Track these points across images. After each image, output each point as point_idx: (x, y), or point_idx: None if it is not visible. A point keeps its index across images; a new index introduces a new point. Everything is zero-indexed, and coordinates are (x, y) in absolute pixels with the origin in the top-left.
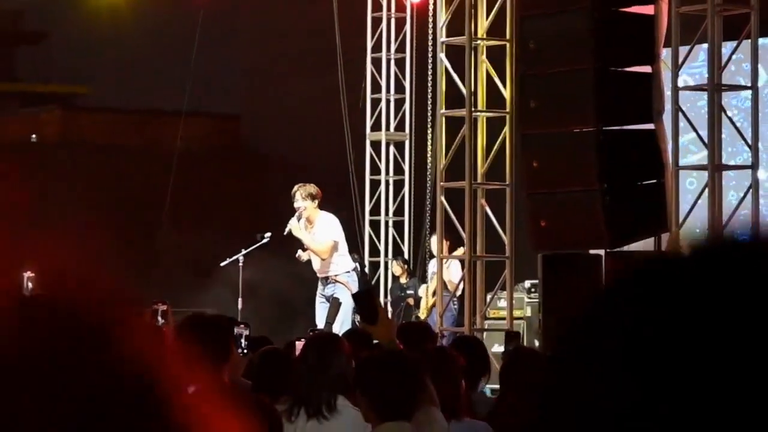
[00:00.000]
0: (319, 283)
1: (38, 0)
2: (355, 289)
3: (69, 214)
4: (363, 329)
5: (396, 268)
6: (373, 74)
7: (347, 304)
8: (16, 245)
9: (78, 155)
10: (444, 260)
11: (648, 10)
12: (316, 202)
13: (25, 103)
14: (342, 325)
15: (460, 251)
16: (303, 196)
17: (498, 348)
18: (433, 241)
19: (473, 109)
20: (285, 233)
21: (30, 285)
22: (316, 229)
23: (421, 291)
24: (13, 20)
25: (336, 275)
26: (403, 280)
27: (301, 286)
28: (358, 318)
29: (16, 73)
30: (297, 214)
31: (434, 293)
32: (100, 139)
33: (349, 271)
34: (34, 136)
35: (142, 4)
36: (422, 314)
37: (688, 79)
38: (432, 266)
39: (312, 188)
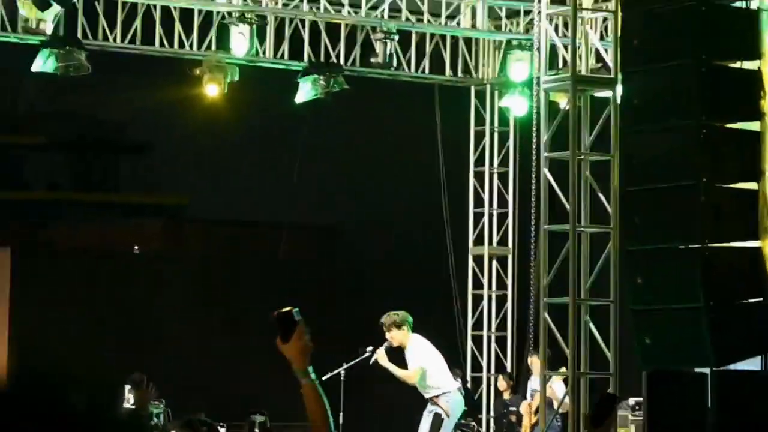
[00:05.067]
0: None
1: (141, 112)
2: (451, 411)
3: (172, 326)
4: None
5: (501, 383)
6: (476, 188)
7: (448, 422)
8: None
9: (180, 267)
10: (547, 377)
11: (754, 126)
12: (404, 328)
13: (127, 213)
14: None
15: (563, 369)
16: (387, 326)
17: None
18: (534, 360)
19: (577, 224)
20: (371, 363)
21: (131, 398)
22: (407, 355)
23: (522, 408)
24: (117, 132)
25: (435, 396)
26: (506, 396)
27: (406, 400)
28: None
29: (119, 184)
30: (386, 344)
31: (536, 411)
32: (202, 250)
33: (450, 392)
34: (136, 247)
35: (245, 118)
36: (524, 431)
37: None
38: (532, 383)
39: (395, 316)
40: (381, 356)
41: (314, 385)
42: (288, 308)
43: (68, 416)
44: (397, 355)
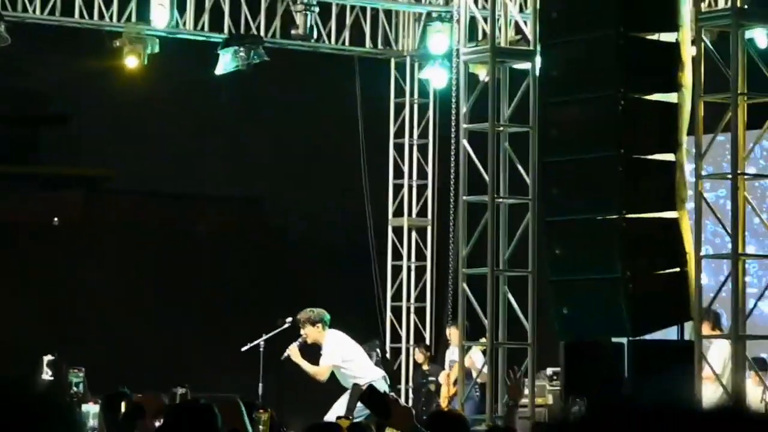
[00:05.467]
0: None
1: (62, 82)
2: None
3: (90, 298)
4: (379, 425)
5: (418, 355)
6: (395, 159)
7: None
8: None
9: (100, 239)
10: (465, 347)
11: (671, 98)
12: (319, 326)
13: (47, 186)
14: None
15: (483, 340)
16: (302, 323)
17: None
18: (453, 331)
19: (496, 195)
20: (282, 359)
21: (49, 370)
22: (322, 353)
23: (441, 378)
24: (37, 103)
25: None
26: (425, 366)
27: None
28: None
29: (39, 156)
30: (300, 339)
31: (455, 382)
32: (123, 223)
33: (375, 380)
34: (56, 219)
35: (165, 89)
36: (442, 402)
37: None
38: (450, 354)
39: (310, 313)
40: (293, 352)
41: None
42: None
43: None
44: (315, 351)
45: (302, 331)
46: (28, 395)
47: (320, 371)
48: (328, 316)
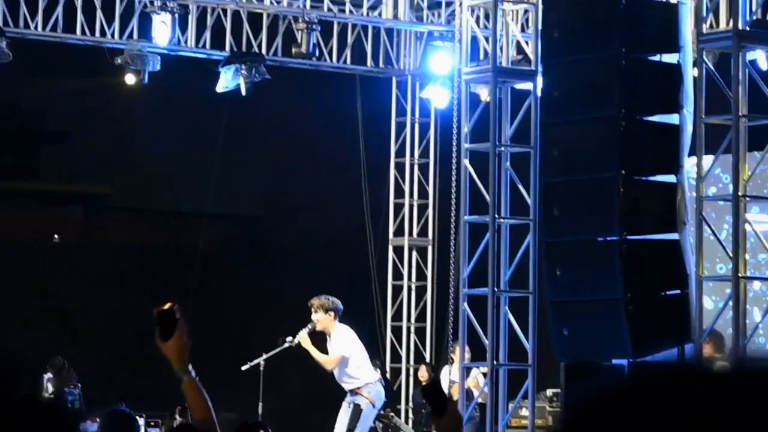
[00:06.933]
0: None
1: (61, 99)
2: (377, 401)
3: (89, 316)
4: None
5: (423, 373)
6: (396, 179)
7: (367, 412)
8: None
9: (100, 256)
10: (468, 368)
11: (673, 119)
12: (331, 314)
13: (46, 202)
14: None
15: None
16: (315, 308)
17: None
18: (458, 348)
19: (497, 215)
20: (294, 344)
21: (50, 387)
22: (331, 342)
23: None
24: (36, 119)
25: (357, 388)
26: None
27: (325, 390)
28: (380, 426)
29: (39, 173)
30: (311, 325)
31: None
32: (122, 240)
33: (371, 383)
34: (56, 236)
35: (166, 106)
36: None
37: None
38: (446, 374)
39: (325, 300)
40: (303, 338)
41: (194, 382)
42: (169, 305)
43: None
44: (321, 340)
45: (314, 317)
46: (32, 410)
47: (330, 360)
48: (341, 307)
